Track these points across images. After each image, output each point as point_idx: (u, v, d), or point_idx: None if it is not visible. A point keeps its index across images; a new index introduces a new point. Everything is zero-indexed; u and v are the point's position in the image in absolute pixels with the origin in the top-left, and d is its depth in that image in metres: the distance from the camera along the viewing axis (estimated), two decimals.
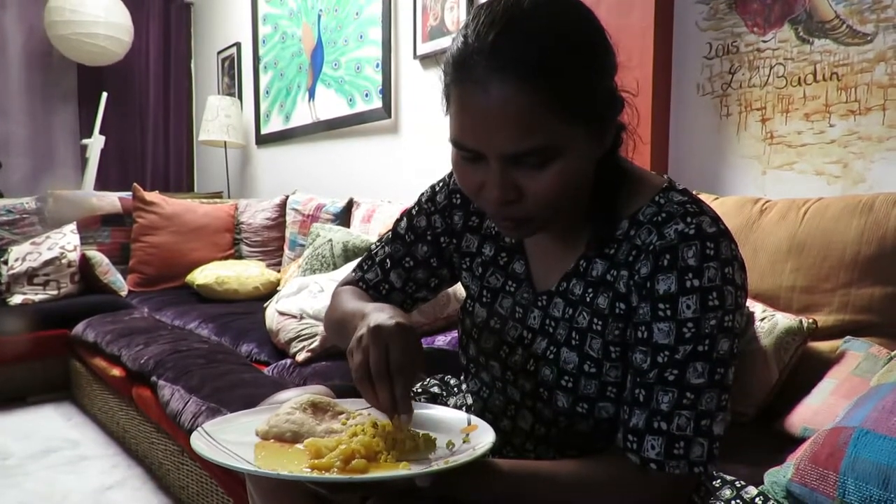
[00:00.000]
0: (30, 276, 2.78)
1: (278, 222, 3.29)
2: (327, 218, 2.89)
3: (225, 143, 3.95)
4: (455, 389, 1.01)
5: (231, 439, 0.67)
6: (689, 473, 0.67)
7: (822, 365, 1.25)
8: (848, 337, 1.26)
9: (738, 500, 0.79)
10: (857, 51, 1.50)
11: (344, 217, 2.84)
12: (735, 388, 0.71)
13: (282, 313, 1.97)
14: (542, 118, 0.62)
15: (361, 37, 3.02)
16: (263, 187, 3.99)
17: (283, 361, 1.86)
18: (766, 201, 1.51)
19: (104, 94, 3.93)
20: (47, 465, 2.09)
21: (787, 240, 1.39)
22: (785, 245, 1.39)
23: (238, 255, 3.40)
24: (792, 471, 0.90)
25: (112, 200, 3.40)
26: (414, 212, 0.91)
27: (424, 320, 1.90)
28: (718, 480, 0.80)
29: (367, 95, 3.00)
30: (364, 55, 3.01)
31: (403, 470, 0.61)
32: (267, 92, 3.83)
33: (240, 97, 4.14)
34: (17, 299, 2.73)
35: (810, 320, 1.29)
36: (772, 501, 0.80)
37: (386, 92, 2.86)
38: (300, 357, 1.80)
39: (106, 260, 2.99)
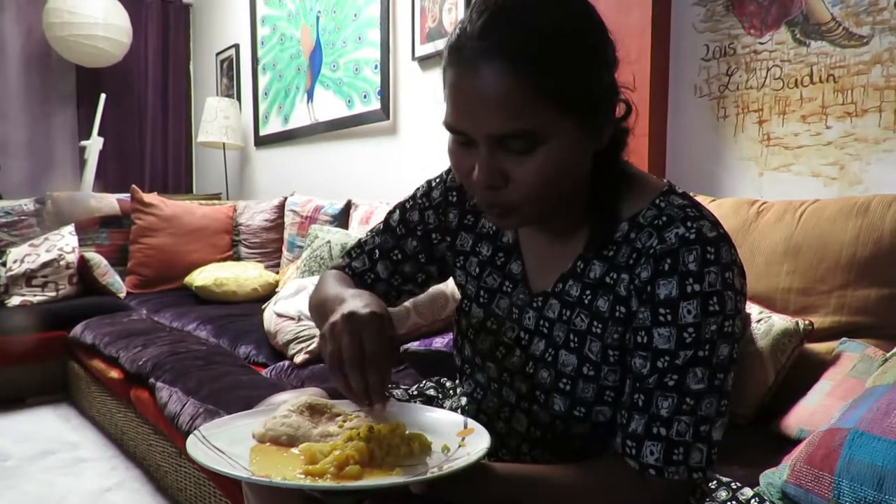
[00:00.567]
0: (28, 278, 2.78)
1: (277, 224, 3.29)
2: (325, 219, 2.89)
3: (223, 144, 3.95)
4: (451, 392, 1.01)
5: (227, 442, 0.67)
6: (687, 479, 0.67)
7: (818, 366, 1.25)
8: (844, 338, 1.27)
9: (733, 502, 0.79)
10: (854, 53, 1.50)
11: (342, 218, 2.84)
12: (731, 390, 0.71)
13: (280, 315, 1.97)
14: (528, 101, 0.62)
15: (360, 38, 3.02)
16: (262, 189, 4.00)
17: (281, 363, 1.86)
18: (763, 203, 1.52)
19: (103, 96, 3.93)
20: (46, 467, 2.09)
21: (783, 241, 1.40)
22: (781, 247, 1.40)
23: (236, 257, 3.40)
24: (787, 472, 0.90)
25: (111, 202, 3.41)
26: (407, 205, 0.91)
27: (423, 322, 1.91)
28: (714, 482, 0.80)
29: (365, 97, 3.01)
30: (362, 57, 3.01)
31: (397, 477, 0.61)
32: (265, 93, 3.83)
33: (238, 98, 4.14)
34: (15, 301, 2.73)
35: (806, 322, 1.29)
36: (767, 503, 0.80)
37: (384, 93, 2.87)
38: (298, 359, 1.80)
39: (104, 261, 2.99)
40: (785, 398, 1.24)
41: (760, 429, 1.24)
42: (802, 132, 1.61)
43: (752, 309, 1.34)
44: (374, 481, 0.60)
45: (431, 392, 1.00)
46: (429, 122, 2.69)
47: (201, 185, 4.76)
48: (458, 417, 0.75)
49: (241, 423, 0.73)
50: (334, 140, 3.30)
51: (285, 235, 3.19)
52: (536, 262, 0.81)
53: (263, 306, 2.17)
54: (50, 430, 2.43)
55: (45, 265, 2.81)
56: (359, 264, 0.92)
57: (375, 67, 2.91)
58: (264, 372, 1.86)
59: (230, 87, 4.26)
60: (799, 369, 1.28)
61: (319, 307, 0.84)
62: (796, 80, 1.61)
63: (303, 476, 0.60)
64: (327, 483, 0.58)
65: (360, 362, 0.65)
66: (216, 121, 3.85)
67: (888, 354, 1.15)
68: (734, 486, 0.81)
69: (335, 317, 0.67)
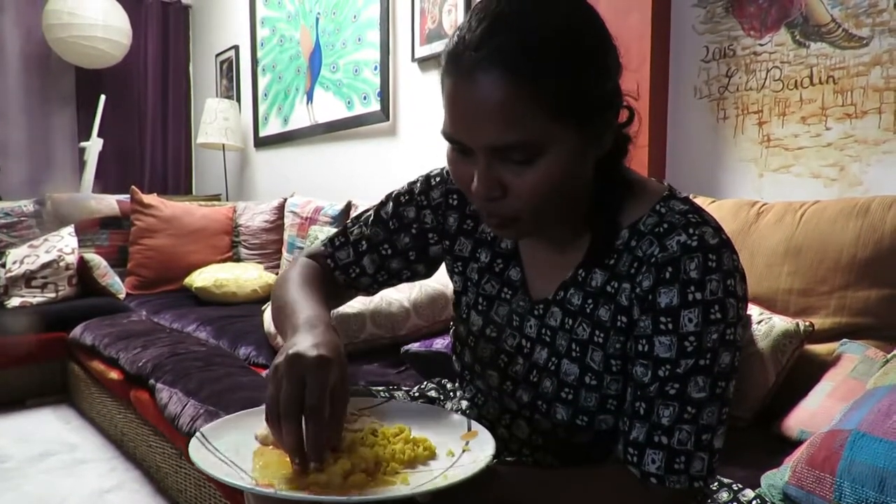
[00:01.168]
0: (28, 279, 2.78)
1: (276, 225, 3.29)
2: (325, 220, 2.89)
3: (223, 145, 3.95)
4: (452, 394, 1.00)
5: (230, 444, 0.66)
6: (689, 488, 0.66)
7: (819, 368, 1.25)
8: (844, 340, 1.27)
9: (734, 503, 0.79)
10: (853, 54, 1.50)
11: (342, 219, 2.84)
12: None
13: None
14: (526, 112, 0.60)
15: (359, 40, 3.02)
16: (262, 190, 3.99)
17: None
18: (763, 204, 1.52)
19: (102, 97, 3.93)
20: (45, 469, 2.09)
21: (783, 242, 1.40)
22: (782, 248, 1.40)
23: (236, 258, 3.40)
24: (788, 473, 0.90)
25: (110, 203, 3.40)
26: (403, 199, 0.87)
27: (423, 323, 1.91)
28: (715, 483, 0.80)
29: (365, 98, 3.01)
30: (362, 58, 3.01)
31: (402, 486, 0.60)
32: (265, 94, 3.83)
33: (238, 100, 4.14)
34: (14, 302, 2.73)
35: (807, 323, 1.29)
36: None
37: (384, 95, 2.87)
38: None
39: (104, 262, 2.99)
40: (785, 399, 1.24)
41: (761, 430, 1.24)
42: (802, 133, 1.61)
43: (753, 310, 1.34)
44: (379, 496, 0.58)
45: (433, 393, 1.00)
46: (428, 124, 2.69)
47: (201, 186, 4.76)
48: (461, 419, 0.75)
49: (243, 423, 0.72)
50: (334, 141, 3.30)
51: (285, 236, 3.19)
52: (536, 270, 0.79)
53: (263, 307, 2.16)
54: (50, 431, 2.43)
55: (44, 266, 2.80)
56: (343, 255, 0.89)
57: (375, 69, 2.92)
58: (264, 373, 1.86)
59: (230, 89, 4.26)
60: (799, 370, 1.28)
61: (278, 311, 0.78)
62: (796, 82, 1.61)
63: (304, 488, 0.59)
64: (332, 498, 0.57)
65: (296, 414, 0.58)
66: (216, 122, 3.85)
67: (889, 356, 1.15)
68: (735, 488, 0.81)
69: (280, 356, 0.61)
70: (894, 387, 0.94)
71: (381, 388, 0.95)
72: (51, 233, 3.00)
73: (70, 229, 3.03)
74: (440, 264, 0.91)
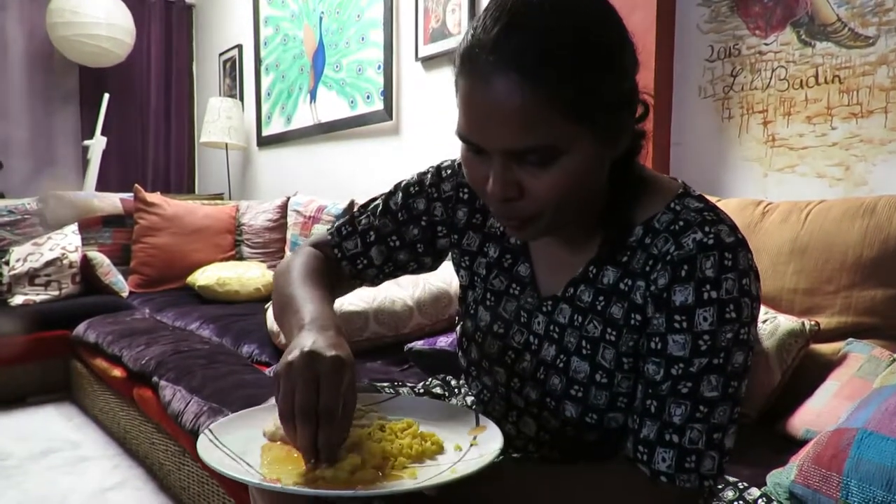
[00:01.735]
0: (31, 277, 2.78)
1: (279, 224, 3.29)
2: (328, 219, 2.89)
3: (226, 144, 3.95)
4: (457, 391, 1.00)
5: (238, 440, 0.67)
6: (699, 487, 0.66)
7: (825, 367, 1.25)
8: (850, 339, 1.26)
9: (740, 502, 0.79)
10: (859, 54, 1.50)
11: None
12: None
13: None
14: (544, 116, 0.60)
15: (363, 39, 3.02)
16: (264, 189, 4.00)
17: None
18: (768, 203, 1.51)
19: (106, 96, 3.93)
20: (48, 466, 2.09)
21: (789, 242, 1.39)
22: (787, 247, 1.39)
23: (239, 257, 3.40)
24: (795, 472, 0.90)
25: (113, 201, 3.41)
26: (413, 191, 0.87)
27: (426, 321, 1.90)
28: (721, 482, 0.80)
29: (368, 97, 3.01)
30: (365, 57, 3.01)
31: (410, 480, 0.60)
32: (268, 94, 3.83)
33: (241, 99, 4.15)
34: (18, 300, 2.73)
35: (812, 322, 1.29)
36: (774, 503, 0.80)
37: (387, 94, 2.87)
38: None
39: (107, 261, 2.99)
40: (791, 399, 1.24)
41: (766, 429, 1.24)
42: (807, 133, 1.61)
43: None
44: (387, 490, 0.59)
45: (438, 390, 0.99)
46: (432, 123, 2.69)
47: (204, 185, 4.76)
48: (469, 414, 0.75)
49: (251, 420, 0.72)
50: (337, 140, 3.30)
51: (288, 235, 3.19)
52: (545, 266, 0.79)
53: (266, 306, 2.17)
54: (52, 428, 2.43)
55: (48, 264, 2.81)
56: (351, 245, 0.88)
57: (378, 68, 2.91)
58: (268, 371, 1.86)
59: (233, 88, 4.27)
60: (805, 370, 1.28)
61: (281, 304, 0.78)
62: (801, 81, 1.61)
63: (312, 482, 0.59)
64: (340, 491, 0.57)
65: (313, 415, 0.59)
66: (219, 121, 3.85)
67: (895, 355, 1.15)
68: (741, 486, 0.81)
69: (293, 353, 0.61)
70: None
71: (385, 384, 0.95)
72: (54, 231, 3.01)
73: (73, 227, 3.03)
74: (446, 257, 0.91)
